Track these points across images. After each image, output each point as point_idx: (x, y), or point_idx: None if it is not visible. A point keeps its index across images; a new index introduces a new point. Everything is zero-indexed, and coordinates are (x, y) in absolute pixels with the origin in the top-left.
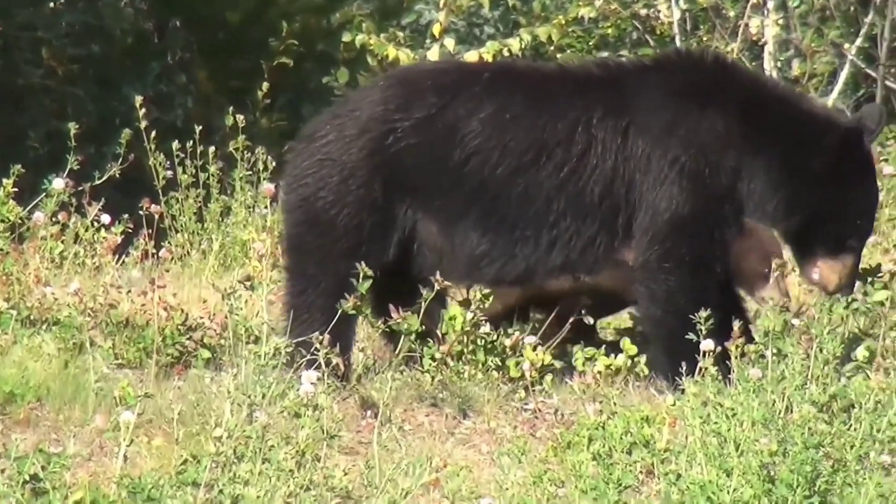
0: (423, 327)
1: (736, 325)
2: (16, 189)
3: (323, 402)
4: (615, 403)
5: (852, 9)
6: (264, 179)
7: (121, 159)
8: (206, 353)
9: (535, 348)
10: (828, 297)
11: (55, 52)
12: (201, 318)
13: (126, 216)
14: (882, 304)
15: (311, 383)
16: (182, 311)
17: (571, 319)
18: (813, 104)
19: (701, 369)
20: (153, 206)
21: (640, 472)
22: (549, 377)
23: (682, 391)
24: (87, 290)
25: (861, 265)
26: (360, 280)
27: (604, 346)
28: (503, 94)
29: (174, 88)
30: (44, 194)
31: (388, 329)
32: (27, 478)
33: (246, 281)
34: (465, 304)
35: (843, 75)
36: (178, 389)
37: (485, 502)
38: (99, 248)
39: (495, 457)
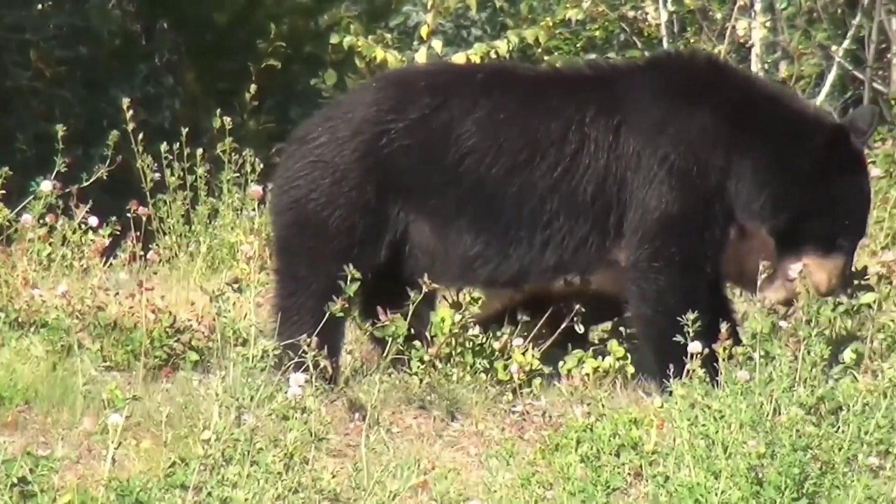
0: (412, 329)
1: (723, 326)
2: (3, 191)
3: (311, 404)
4: (603, 405)
5: (840, 11)
6: (252, 181)
7: (108, 161)
8: (194, 356)
9: (524, 352)
10: (820, 296)
11: (43, 55)
12: (189, 320)
13: (114, 218)
14: (869, 306)
15: (299, 386)
16: (170, 313)
17: (563, 326)
18: (804, 104)
19: (689, 371)
20: (141, 208)
21: (629, 474)
22: (537, 380)
23: (670, 393)
24: (74, 292)
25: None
26: (348, 282)
27: (591, 348)
28: (497, 95)
29: (162, 90)
30: (31, 196)
31: (376, 331)
32: (15, 481)
33: (234, 283)
34: (455, 306)
35: (831, 77)
36: (166, 392)
37: None
38: (87, 251)
39: (483, 459)
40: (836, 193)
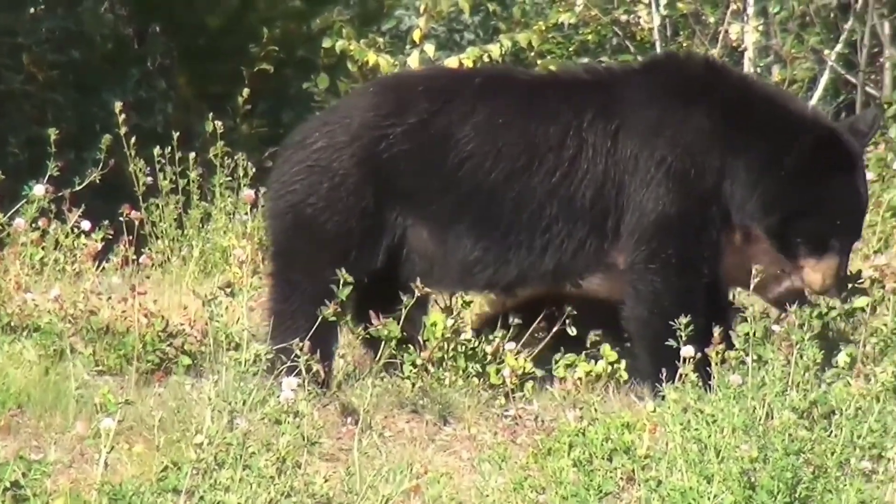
0: (405, 333)
1: (716, 330)
2: None
3: (303, 408)
4: (596, 410)
5: (832, 15)
6: (244, 185)
7: (101, 165)
8: (187, 360)
9: (517, 356)
10: (814, 297)
11: (35, 58)
12: (182, 324)
13: (106, 222)
14: (863, 310)
15: (292, 390)
16: (162, 317)
17: (555, 329)
18: (801, 105)
19: (682, 375)
20: (133, 212)
21: (621, 478)
22: (529, 384)
23: (663, 397)
24: (67, 296)
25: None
26: (341, 286)
27: (584, 352)
28: (495, 100)
29: (154, 94)
30: (24, 200)
31: (368, 335)
32: (8, 485)
33: (226, 287)
34: (447, 310)
35: (823, 81)
36: (158, 396)
37: None
38: (79, 255)
39: (476, 463)
40: (827, 194)
